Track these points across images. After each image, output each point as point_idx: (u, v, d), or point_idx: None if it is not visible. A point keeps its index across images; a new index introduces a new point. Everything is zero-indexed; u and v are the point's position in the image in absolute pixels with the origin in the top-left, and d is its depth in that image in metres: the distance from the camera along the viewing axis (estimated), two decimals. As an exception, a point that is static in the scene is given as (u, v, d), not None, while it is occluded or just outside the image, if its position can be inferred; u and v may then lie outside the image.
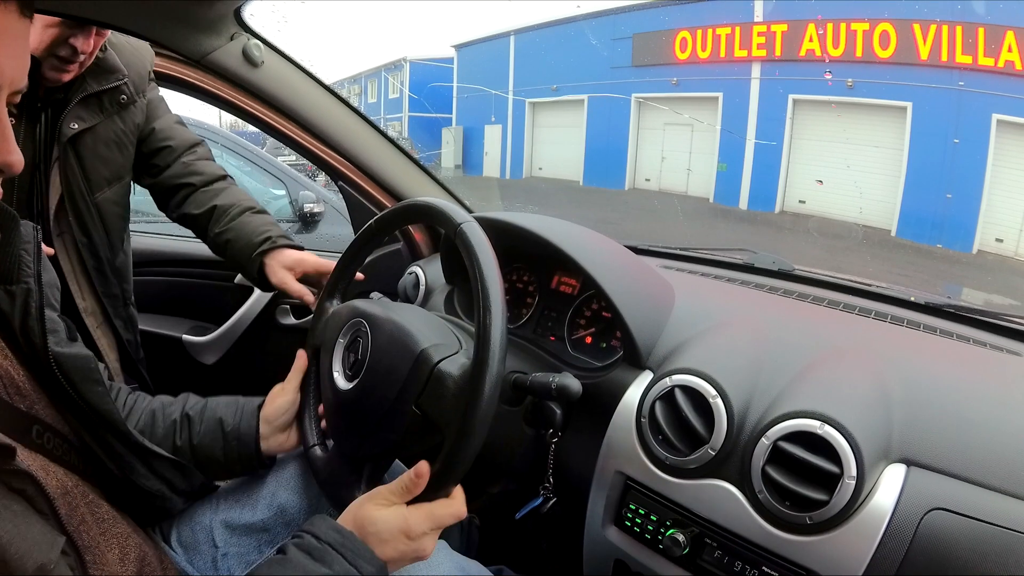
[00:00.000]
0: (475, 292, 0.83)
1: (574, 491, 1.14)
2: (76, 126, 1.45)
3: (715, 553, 0.94)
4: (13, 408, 0.76)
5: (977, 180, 12.02)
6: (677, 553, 0.94)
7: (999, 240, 11.94)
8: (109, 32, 1.36)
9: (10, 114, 0.70)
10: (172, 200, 1.69)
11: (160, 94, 1.69)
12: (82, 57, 1.34)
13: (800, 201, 15.11)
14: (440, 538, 1.09)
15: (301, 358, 1.13)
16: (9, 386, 0.77)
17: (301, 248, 1.60)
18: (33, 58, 1.25)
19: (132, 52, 1.55)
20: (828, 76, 13.96)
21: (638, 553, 1.03)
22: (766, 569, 0.89)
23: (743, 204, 15.92)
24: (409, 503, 0.84)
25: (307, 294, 1.54)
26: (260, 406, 1.11)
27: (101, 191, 1.55)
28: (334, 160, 1.75)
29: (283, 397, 1.11)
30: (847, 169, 14.03)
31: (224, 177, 1.72)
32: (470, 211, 1.42)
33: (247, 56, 1.50)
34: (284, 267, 1.55)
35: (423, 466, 0.82)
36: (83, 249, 1.55)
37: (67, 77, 1.37)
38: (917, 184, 12.98)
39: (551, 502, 1.16)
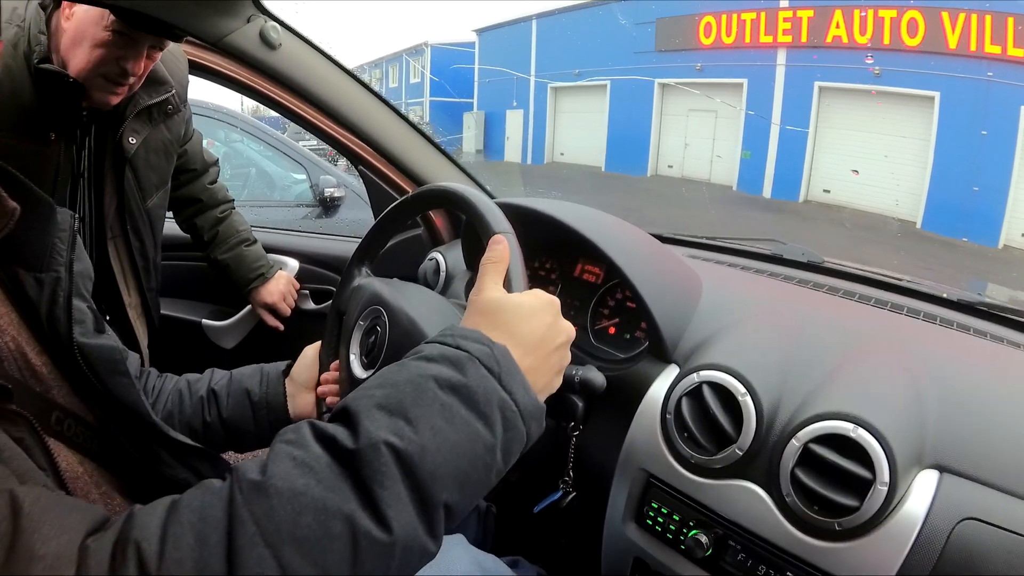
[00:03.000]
0: None
1: (594, 486, 1.11)
2: (134, 140, 1.52)
3: (738, 556, 0.91)
4: (30, 390, 0.75)
5: (1004, 173, 11.89)
6: (699, 554, 0.92)
7: (1025, 235, 11.80)
8: (160, 53, 1.37)
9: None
10: (185, 210, 1.92)
11: (191, 112, 1.77)
12: (132, 80, 1.35)
13: (825, 190, 14.99)
14: (456, 530, 1.08)
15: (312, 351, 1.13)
16: (24, 369, 0.76)
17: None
18: (76, 81, 1.30)
19: (174, 61, 1.60)
20: (870, 60, 13.75)
21: (659, 552, 1.01)
22: (790, 575, 0.86)
23: (767, 192, 15.82)
24: None
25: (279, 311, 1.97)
26: (285, 370, 1.13)
27: (151, 198, 1.64)
28: (353, 144, 1.74)
29: (313, 364, 1.12)
30: (873, 159, 13.87)
31: (230, 202, 1.97)
32: (492, 196, 1.40)
33: (264, 38, 1.49)
34: (270, 293, 1.94)
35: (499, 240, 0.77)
36: (135, 252, 1.64)
37: (115, 100, 1.40)
38: (943, 176, 12.87)
39: (570, 496, 1.14)
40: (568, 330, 0.75)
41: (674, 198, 15.99)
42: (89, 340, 0.83)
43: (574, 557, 1.28)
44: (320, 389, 1.09)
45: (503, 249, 0.76)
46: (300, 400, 1.11)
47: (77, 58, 1.31)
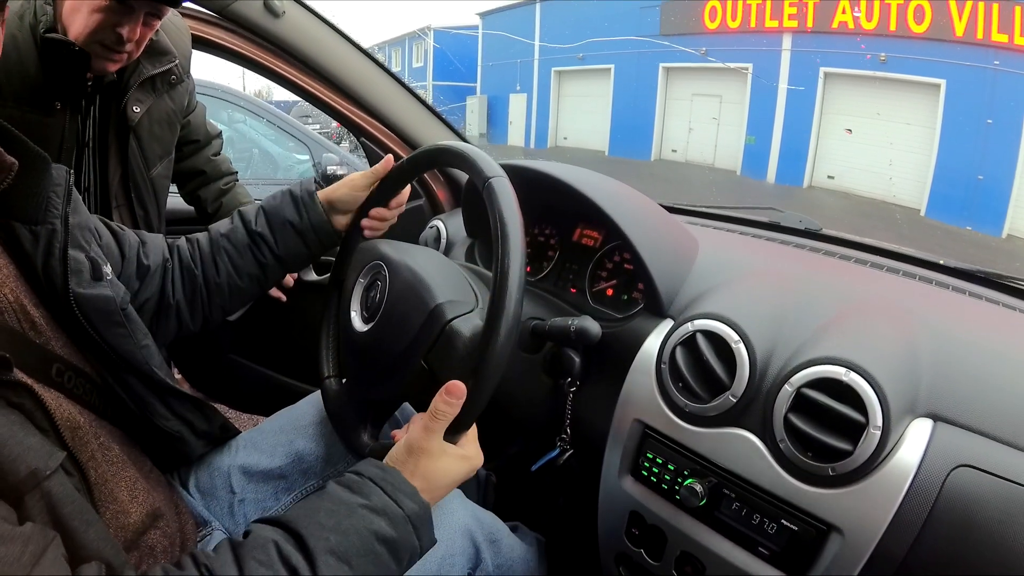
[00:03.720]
0: (495, 241, 0.82)
1: (591, 444, 1.12)
2: (138, 109, 1.52)
3: (733, 505, 0.92)
4: (30, 342, 0.77)
5: (1010, 163, 11.83)
6: (694, 503, 0.92)
7: (1031, 226, 11.76)
8: (159, 21, 1.37)
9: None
10: (189, 183, 1.92)
11: (194, 84, 1.78)
12: (129, 46, 1.35)
13: (829, 176, 14.95)
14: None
15: (388, 162, 1.14)
16: (24, 320, 0.78)
17: None
18: (81, 49, 1.30)
19: (177, 33, 1.60)
20: (863, 48, 13.68)
21: (654, 504, 1.01)
22: (785, 523, 0.87)
23: (771, 178, 15.78)
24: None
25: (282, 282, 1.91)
26: (314, 192, 1.17)
27: (155, 167, 1.64)
28: (355, 116, 1.75)
29: (347, 188, 1.16)
30: (877, 146, 13.81)
31: (233, 174, 1.97)
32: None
33: (268, 6, 1.50)
34: None
35: (454, 385, 0.81)
36: (140, 221, 1.64)
37: (114, 67, 1.40)
38: (948, 164, 12.81)
39: (567, 454, 1.15)
40: (474, 470, 0.87)
41: (678, 182, 15.93)
42: (85, 290, 0.85)
43: (572, 519, 1.29)
44: (365, 221, 1.16)
45: (456, 403, 0.82)
46: (337, 220, 1.17)
47: (76, 24, 1.31)
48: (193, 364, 2.34)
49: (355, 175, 1.17)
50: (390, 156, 1.13)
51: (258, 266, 1.16)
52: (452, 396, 0.81)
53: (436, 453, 0.82)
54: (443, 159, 1.03)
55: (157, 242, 1.13)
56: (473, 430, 0.87)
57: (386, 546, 0.74)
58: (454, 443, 0.84)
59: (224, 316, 1.21)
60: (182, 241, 1.17)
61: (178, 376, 2.38)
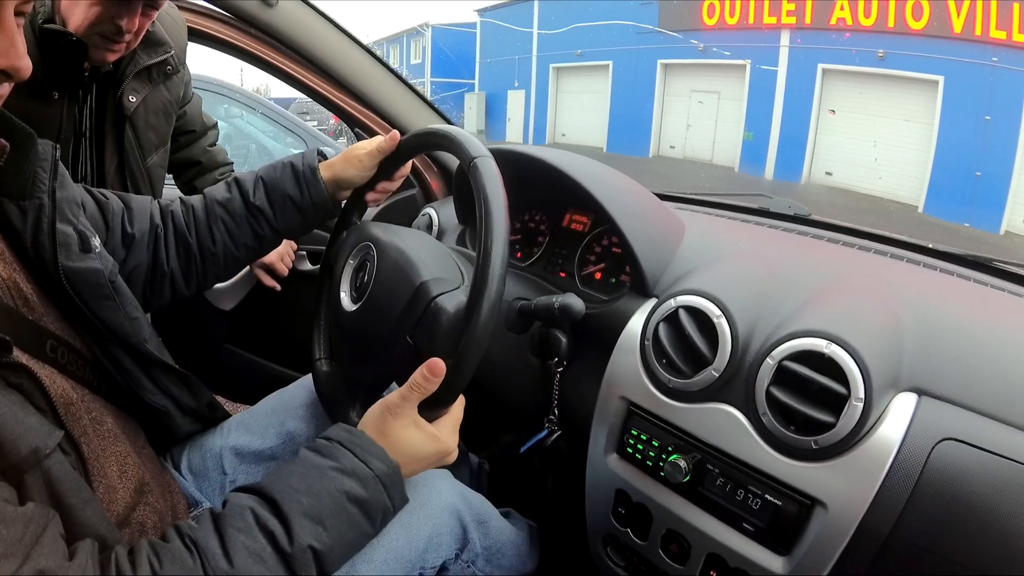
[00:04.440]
0: (479, 219, 0.82)
1: (579, 425, 1.13)
2: (134, 99, 1.53)
3: (717, 481, 0.92)
4: (24, 319, 0.77)
5: (1008, 159, 11.87)
6: (678, 479, 0.92)
7: (1029, 222, 11.77)
8: (156, 12, 1.38)
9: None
10: (185, 173, 1.93)
11: (190, 75, 1.78)
12: (128, 37, 1.36)
13: (827, 172, 14.96)
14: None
15: (394, 138, 1.11)
16: (17, 297, 0.78)
17: None
18: (79, 39, 1.31)
19: (173, 24, 1.61)
20: (847, 37, 13.71)
21: (639, 482, 1.02)
22: (769, 498, 0.87)
23: (769, 174, 15.79)
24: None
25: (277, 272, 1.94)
26: (316, 167, 1.14)
27: (151, 157, 1.64)
28: (350, 106, 1.75)
29: (355, 169, 1.14)
30: (875, 142, 13.81)
31: (229, 164, 1.98)
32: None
33: (262, -5, 1.50)
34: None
35: (435, 363, 0.83)
36: None
37: (112, 57, 1.41)
38: (946, 160, 12.83)
39: (555, 435, 1.16)
40: (446, 458, 0.90)
41: (676, 179, 15.92)
42: (75, 263, 0.85)
43: (561, 501, 1.29)
44: (370, 196, 1.17)
45: (435, 380, 0.84)
46: (339, 195, 1.17)
47: (75, 16, 1.32)
48: (189, 354, 2.34)
49: (358, 151, 1.13)
50: (395, 132, 1.11)
51: (255, 238, 1.16)
52: (431, 373, 0.82)
53: (405, 420, 0.85)
54: (431, 141, 1.04)
55: (144, 206, 1.11)
56: (454, 417, 0.89)
57: (358, 506, 0.78)
58: (429, 420, 0.86)
59: (218, 281, 1.21)
60: (176, 205, 1.15)
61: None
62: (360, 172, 1.13)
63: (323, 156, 1.16)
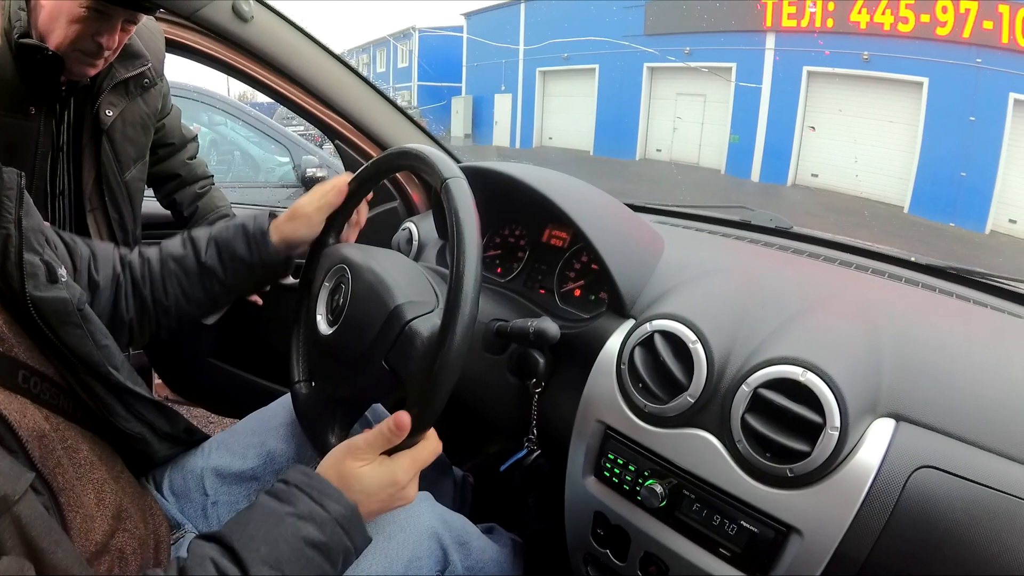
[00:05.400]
0: (450, 241, 0.82)
1: (558, 444, 1.12)
2: (111, 113, 1.53)
3: (693, 506, 0.91)
4: None
5: (992, 159, 11.97)
6: (655, 504, 0.91)
7: (1012, 221, 11.90)
8: (135, 27, 1.38)
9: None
10: (164, 187, 1.92)
11: (169, 87, 1.78)
12: (107, 53, 1.36)
13: (813, 174, 15.05)
14: (434, 497, 1.11)
15: (341, 182, 1.13)
16: None
17: None
18: (56, 53, 1.31)
19: (150, 36, 1.61)
20: (821, 43, 13.85)
21: (616, 505, 1.01)
22: (745, 524, 0.86)
23: (755, 176, 15.88)
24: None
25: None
26: (267, 230, 1.14)
27: (129, 171, 1.64)
28: (328, 117, 1.75)
29: (305, 228, 1.14)
30: (861, 144, 13.90)
31: (209, 177, 1.98)
32: (459, 162, 1.40)
33: (237, 11, 1.50)
34: None
35: (403, 417, 0.81)
36: (115, 225, 1.65)
37: (92, 71, 1.41)
38: (931, 161, 12.93)
39: (535, 454, 1.16)
40: (406, 499, 0.88)
41: (662, 181, 15.99)
42: (42, 293, 0.84)
43: (543, 518, 1.29)
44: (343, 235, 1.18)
45: (398, 436, 0.83)
46: (292, 252, 1.16)
47: (55, 34, 1.32)
48: (173, 368, 2.33)
49: (306, 208, 1.14)
50: (344, 185, 1.12)
51: (206, 294, 1.16)
52: (397, 427, 0.82)
53: (362, 461, 0.84)
54: (402, 163, 1.03)
55: (108, 255, 1.12)
56: (415, 457, 0.87)
57: (317, 550, 0.77)
58: (409, 445, 0.85)
59: (168, 335, 1.21)
60: (134, 256, 1.16)
61: (157, 381, 2.38)
62: (310, 229, 1.14)
63: (274, 216, 1.16)
